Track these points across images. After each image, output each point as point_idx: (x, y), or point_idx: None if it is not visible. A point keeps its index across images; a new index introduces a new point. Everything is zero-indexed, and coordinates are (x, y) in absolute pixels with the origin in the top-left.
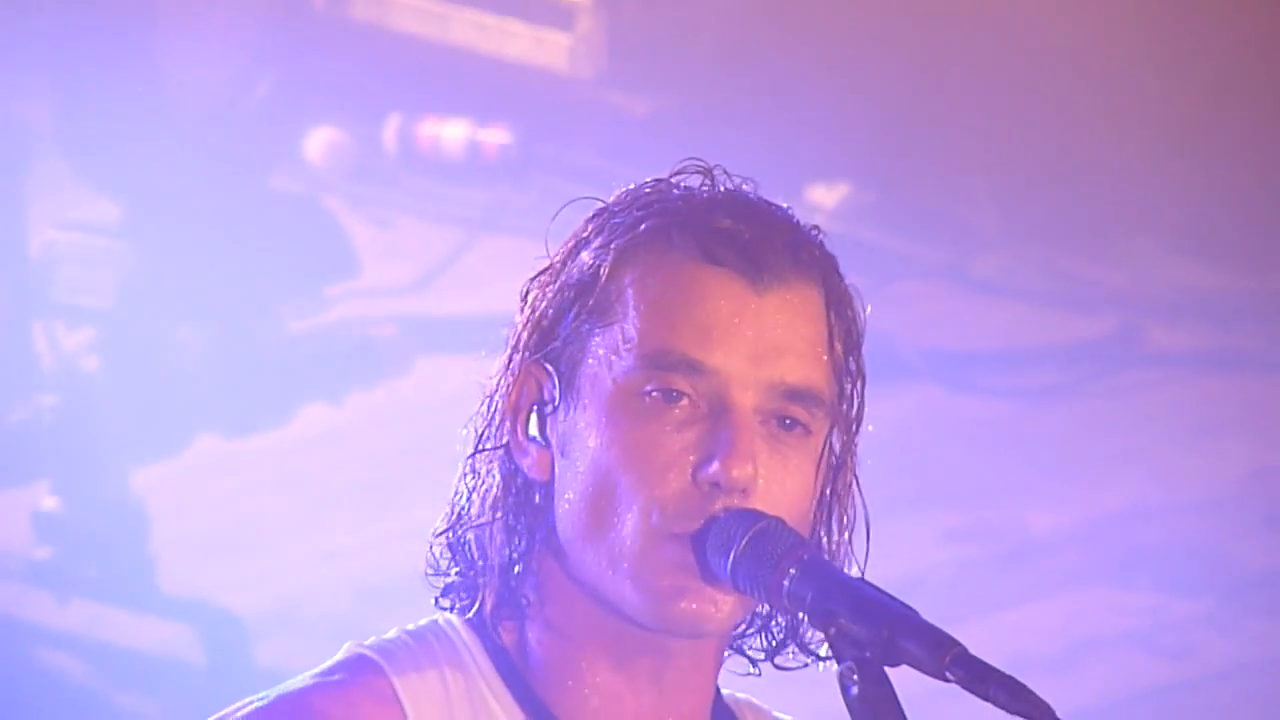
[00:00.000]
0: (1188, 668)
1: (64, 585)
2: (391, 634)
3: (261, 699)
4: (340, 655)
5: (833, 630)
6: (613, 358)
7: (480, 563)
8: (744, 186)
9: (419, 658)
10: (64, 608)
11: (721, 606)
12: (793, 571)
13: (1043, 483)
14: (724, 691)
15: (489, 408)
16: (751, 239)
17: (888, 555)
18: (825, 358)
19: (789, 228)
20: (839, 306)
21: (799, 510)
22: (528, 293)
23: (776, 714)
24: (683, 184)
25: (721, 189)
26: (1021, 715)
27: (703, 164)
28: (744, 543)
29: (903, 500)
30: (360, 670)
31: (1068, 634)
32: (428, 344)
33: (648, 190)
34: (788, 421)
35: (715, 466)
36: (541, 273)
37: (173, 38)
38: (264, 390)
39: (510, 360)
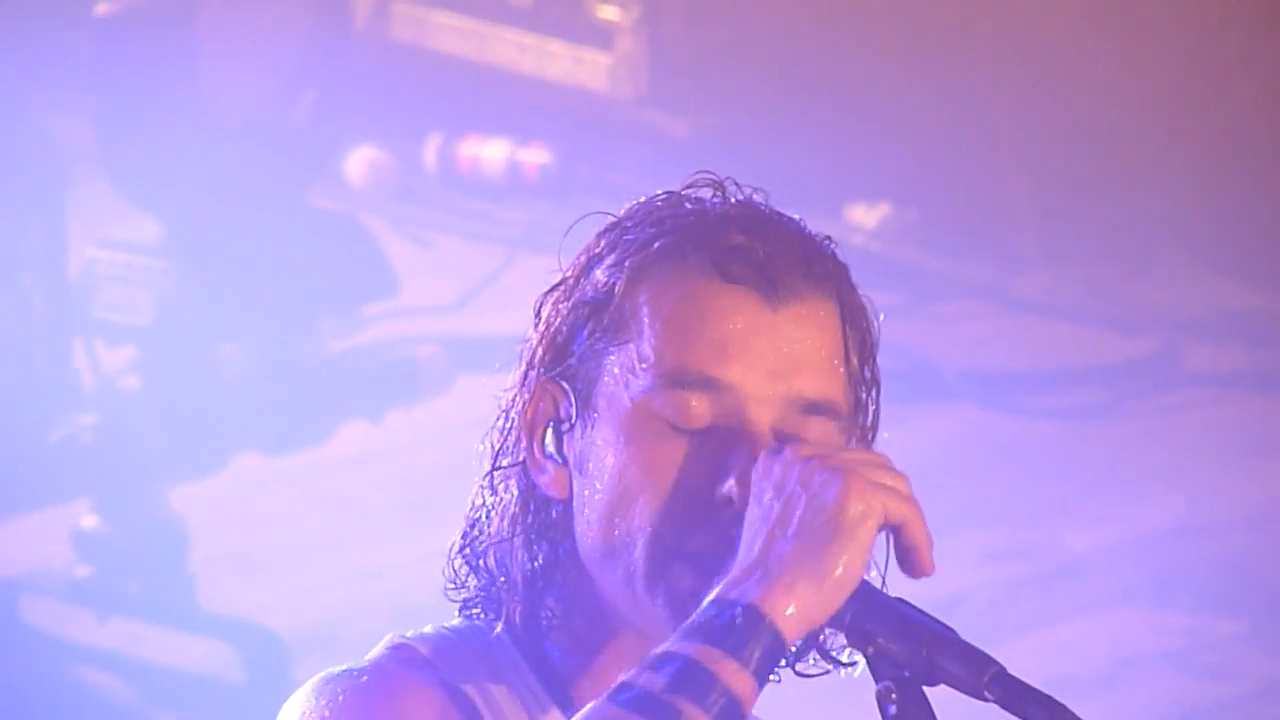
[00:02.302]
0: (1227, 687)
1: (104, 603)
2: (428, 629)
3: (327, 682)
4: (381, 645)
5: (871, 650)
6: (629, 376)
7: (502, 579)
8: (755, 197)
9: (459, 646)
10: (104, 626)
11: None
12: None
13: (1083, 502)
14: None
15: (505, 424)
16: (766, 255)
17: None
18: (841, 369)
19: (802, 240)
20: (853, 317)
21: None
22: (541, 308)
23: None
24: (694, 196)
25: (733, 201)
26: None
27: (713, 176)
28: None
29: (943, 520)
30: (403, 657)
31: (1107, 653)
32: (467, 363)
33: (660, 204)
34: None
35: (732, 485)
36: (555, 288)
37: (214, 57)
38: (304, 409)
39: (525, 377)
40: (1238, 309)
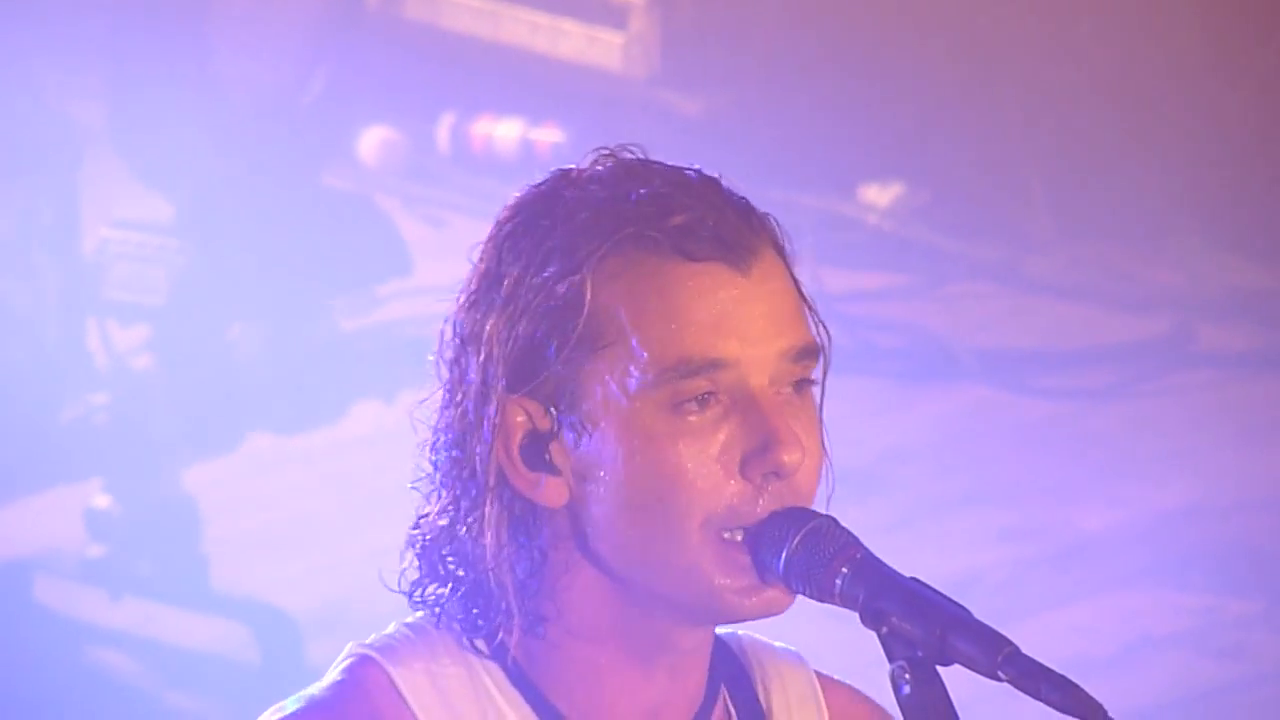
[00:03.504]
0: (1241, 667)
1: (116, 583)
2: (391, 629)
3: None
4: (342, 657)
5: (884, 630)
6: (623, 379)
7: (496, 594)
8: (633, 154)
9: (419, 648)
10: (116, 605)
11: (781, 601)
12: (845, 571)
13: (1096, 482)
14: (720, 633)
15: (468, 444)
16: (716, 224)
17: (941, 554)
18: (802, 306)
19: (726, 195)
20: (782, 249)
21: (822, 466)
22: (474, 327)
23: (777, 644)
24: (593, 175)
25: (632, 166)
26: (1074, 715)
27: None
28: (796, 542)
29: (956, 500)
30: (363, 672)
31: (1120, 634)
32: None
33: (569, 196)
34: (799, 384)
35: (768, 459)
36: (472, 305)
37: (226, 37)
38: (316, 388)
39: (486, 398)
40: (1250, 289)
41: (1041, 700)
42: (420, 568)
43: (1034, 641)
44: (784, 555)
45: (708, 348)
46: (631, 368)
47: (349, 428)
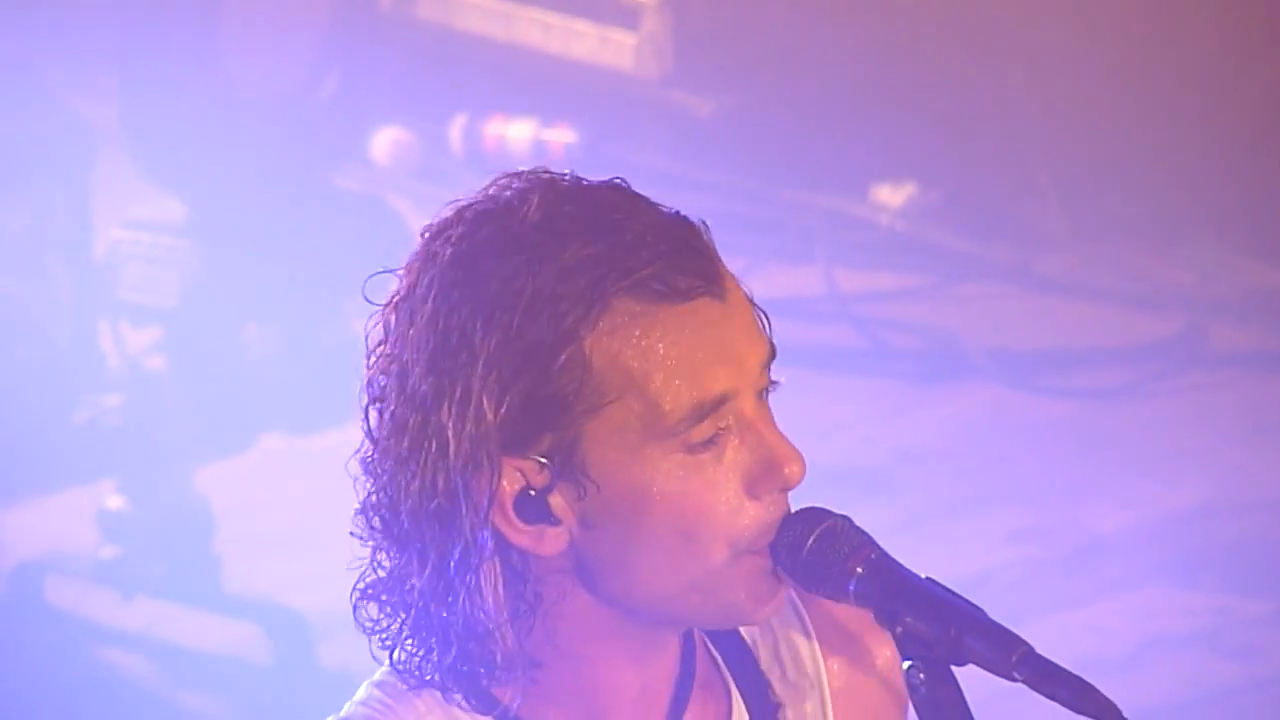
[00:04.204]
0: (1253, 668)
1: (129, 584)
2: (363, 694)
3: None
4: None
5: (899, 629)
6: (636, 432)
7: (473, 643)
8: (573, 181)
9: (405, 716)
10: (129, 606)
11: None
12: (859, 571)
13: (1108, 482)
14: None
15: (453, 509)
16: (690, 259)
17: (953, 554)
18: (756, 310)
19: (682, 222)
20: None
21: None
22: (442, 390)
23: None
24: (535, 220)
25: (583, 198)
26: (1088, 715)
27: (515, 175)
28: (811, 543)
29: (968, 500)
30: None
31: (1133, 634)
32: None
33: (527, 243)
34: (770, 387)
35: (775, 477)
36: (433, 362)
37: (238, 37)
38: (328, 389)
39: (476, 463)
40: (1263, 289)
41: (1055, 700)
42: (405, 634)
43: (1046, 641)
44: (799, 556)
45: (713, 384)
46: (643, 420)
47: (361, 428)
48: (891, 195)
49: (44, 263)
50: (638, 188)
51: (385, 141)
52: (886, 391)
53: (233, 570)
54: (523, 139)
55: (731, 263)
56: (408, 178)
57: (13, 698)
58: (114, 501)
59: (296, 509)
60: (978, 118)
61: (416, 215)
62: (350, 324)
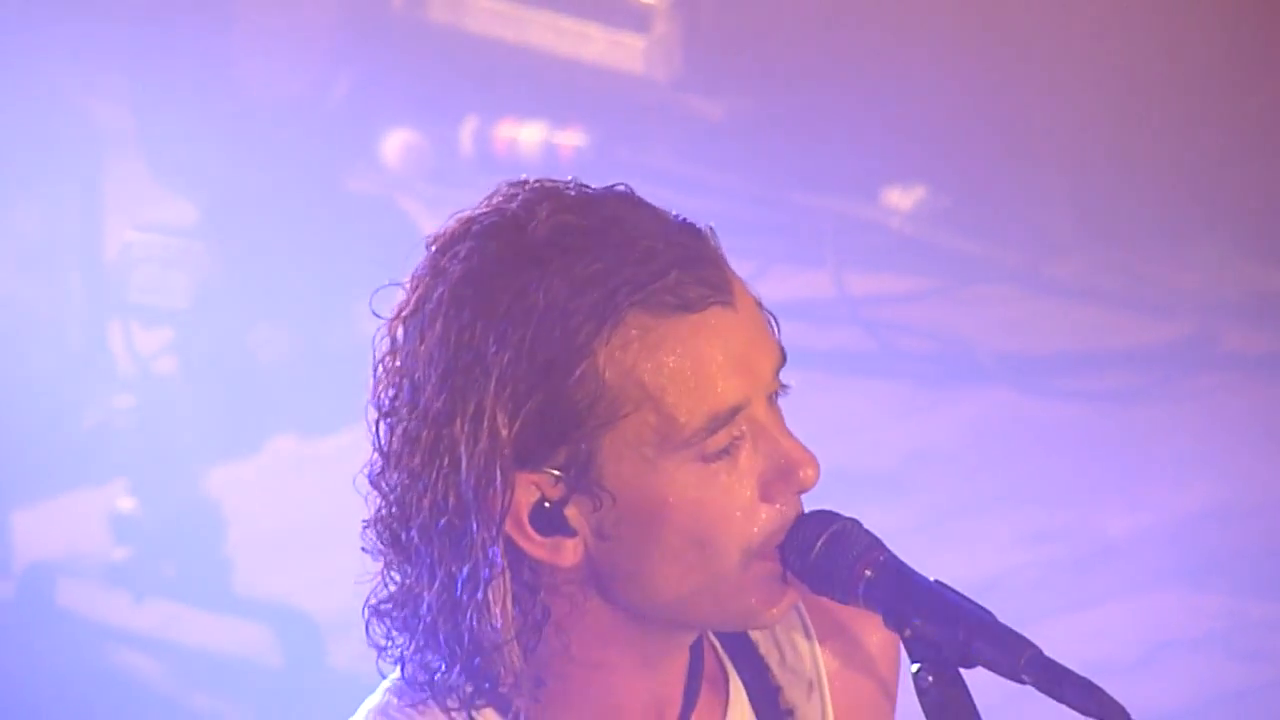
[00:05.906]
0: (1265, 670)
1: (140, 586)
2: (377, 700)
3: None
4: None
5: (908, 632)
6: (652, 445)
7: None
8: (573, 190)
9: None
10: (140, 608)
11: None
12: (868, 574)
13: (1118, 486)
14: None
15: (465, 522)
16: (704, 269)
17: (964, 557)
18: (760, 308)
19: (691, 229)
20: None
21: None
22: (454, 406)
23: None
24: (544, 233)
25: (599, 210)
26: (1097, 718)
27: (520, 184)
28: (820, 545)
29: (978, 502)
30: None
31: (1143, 637)
32: None
33: (534, 258)
34: (780, 390)
35: (792, 481)
36: (444, 378)
37: (250, 40)
38: (340, 391)
39: (489, 477)
40: (1273, 291)
41: (1064, 703)
42: (415, 649)
43: (1056, 644)
44: (809, 559)
45: (727, 395)
46: (658, 433)
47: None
48: (901, 198)
49: (56, 265)
50: (648, 191)
51: (396, 144)
52: (896, 394)
53: (244, 572)
54: (533, 142)
55: (741, 265)
56: (419, 180)
57: (24, 699)
58: (125, 503)
59: (307, 511)
60: (987, 121)
61: (427, 218)
62: (361, 326)
